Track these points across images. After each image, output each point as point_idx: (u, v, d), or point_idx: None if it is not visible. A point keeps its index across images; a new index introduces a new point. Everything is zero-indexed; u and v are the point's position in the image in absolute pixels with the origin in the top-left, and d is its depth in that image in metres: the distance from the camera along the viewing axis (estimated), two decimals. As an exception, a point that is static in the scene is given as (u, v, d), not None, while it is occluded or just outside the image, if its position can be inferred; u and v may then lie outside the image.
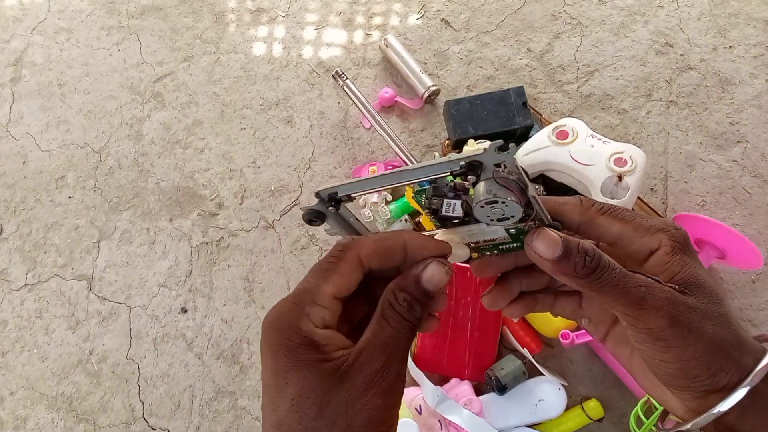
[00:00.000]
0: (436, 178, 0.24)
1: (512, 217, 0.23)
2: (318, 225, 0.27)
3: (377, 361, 0.22)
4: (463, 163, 0.22)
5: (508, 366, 0.67)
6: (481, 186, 0.22)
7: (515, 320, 0.71)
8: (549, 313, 0.71)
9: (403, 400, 0.68)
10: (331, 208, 0.26)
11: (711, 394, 0.22)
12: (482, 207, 0.22)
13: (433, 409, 0.65)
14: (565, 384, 0.68)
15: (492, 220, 0.23)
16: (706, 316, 0.22)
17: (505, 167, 0.22)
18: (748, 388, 0.21)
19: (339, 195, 0.26)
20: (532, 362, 0.68)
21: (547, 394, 0.67)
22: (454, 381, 0.69)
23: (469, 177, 0.22)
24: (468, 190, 0.24)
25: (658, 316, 0.22)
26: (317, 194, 0.26)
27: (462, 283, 0.68)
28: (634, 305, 0.22)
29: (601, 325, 0.29)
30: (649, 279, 0.23)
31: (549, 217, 0.24)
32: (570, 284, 0.24)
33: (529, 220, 0.24)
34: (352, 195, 0.26)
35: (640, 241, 0.24)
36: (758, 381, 0.22)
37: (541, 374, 0.68)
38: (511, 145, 0.22)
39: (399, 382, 0.23)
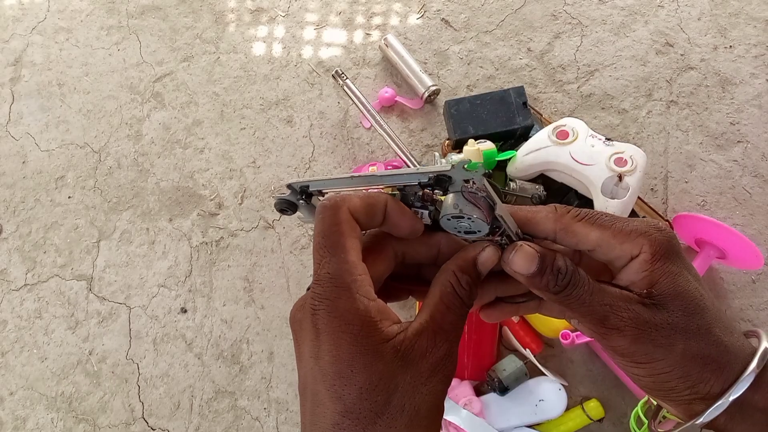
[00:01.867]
0: (405, 186, 0.24)
1: (479, 232, 0.23)
2: (290, 214, 0.27)
3: (442, 349, 0.22)
4: (431, 175, 0.22)
5: (509, 367, 0.67)
6: (449, 199, 0.22)
7: (493, 322, 0.71)
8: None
9: None
10: (302, 200, 0.26)
11: (696, 401, 0.22)
12: (448, 220, 0.23)
13: None
14: (566, 384, 0.68)
15: (459, 232, 0.24)
16: (678, 331, 0.22)
17: (474, 184, 0.22)
18: (730, 399, 0.21)
19: (310, 189, 0.26)
20: (533, 362, 0.68)
21: (547, 395, 0.67)
22: (454, 381, 0.69)
23: (436, 190, 0.23)
24: (435, 201, 0.24)
25: (620, 336, 0.22)
26: (289, 186, 0.26)
27: None
28: (598, 324, 0.23)
29: None
30: (619, 293, 0.23)
31: (519, 232, 0.25)
32: (544, 297, 0.24)
33: (496, 234, 0.24)
34: (323, 191, 0.26)
35: (620, 247, 0.23)
36: (741, 391, 0.21)
37: (542, 374, 0.68)
38: (480, 164, 0.22)
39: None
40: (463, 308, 0.23)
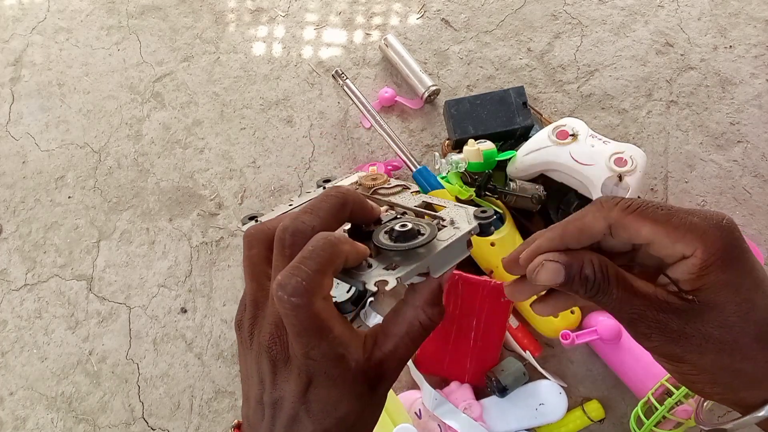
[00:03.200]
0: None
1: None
2: None
3: (396, 375, 0.24)
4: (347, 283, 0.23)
5: (508, 367, 0.67)
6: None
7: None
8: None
9: (402, 405, 0.68)
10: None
11: (734, 406, 0.23)
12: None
13: (431, 412, 0.65)
14: (565, 386, 0.68)
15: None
16: (711, 341, 0.22)
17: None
18: (759, 415, 0.21)
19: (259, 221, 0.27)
20: (532, 364, 0.68)
21: (547, 398, 0.66)
22: (454, 384, 0.68)
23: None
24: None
25: (647, 341, 0.23)
26: (247, 218, 0.28)
27: (468, 290, 0.67)
28: (627, 326, 0.23)
29: None
30: (650, 300, 0.23)
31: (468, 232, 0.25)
32: None
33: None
34: None
35: (672, 246, 0.23)
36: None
37: (542, 377, 0.68)
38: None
39: None
40: (427, 335, 0.25)
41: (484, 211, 0.25)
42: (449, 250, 0.24)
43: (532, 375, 0.68)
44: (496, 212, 0.26)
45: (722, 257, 0.22)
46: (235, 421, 0.28)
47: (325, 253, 0.21)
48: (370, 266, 0.23)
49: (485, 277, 0.68)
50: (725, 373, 0.22)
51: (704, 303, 0.22)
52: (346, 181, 0.33)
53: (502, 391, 0.66)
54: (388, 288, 0.21)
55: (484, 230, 0.25)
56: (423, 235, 0.24)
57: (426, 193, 0.29)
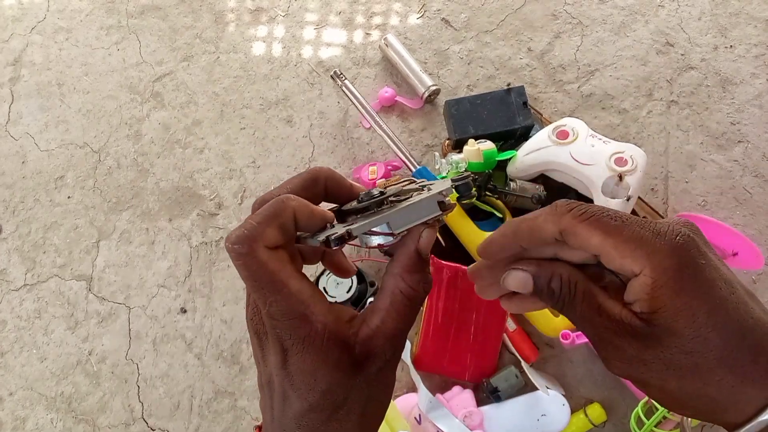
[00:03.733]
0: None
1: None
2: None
3: (388, 352, 0.24)
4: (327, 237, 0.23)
5: (501, 371, 0.68)
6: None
7: (514, 312, 0.70)
8: (550, 313, 0.70)
9: (400, 410, 0.67)
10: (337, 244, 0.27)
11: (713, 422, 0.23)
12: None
13: (425, 415, 0.65)
14: (563, 393, 0.67)
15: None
16: (672, 368, 0.21)
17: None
18: None
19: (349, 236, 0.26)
20: (526, 372, 0.67)
21: (550, 409, 0.65)
22: (456, 389, 0.68)
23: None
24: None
25: (610, 365, 0.23)
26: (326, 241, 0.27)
27: (466, 283, 0.67)
28: (593, 345, 0.23)
29: None
30: (608, 322, 0.22)
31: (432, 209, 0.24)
32: None
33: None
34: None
35: (620, 261, 0.21)
36: None
37: (543, 375, 0.68)
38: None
39: (398, 360, 0.25)
40: (414, 306, 0.24)
41: (461, 176, 0.25)
42: (415, 208, 0.23)
43: (530, 381, 0.68)
44: (474, 178, 0.25)
45: (674, 278, 0.20)
46: (259, 423, 0.28)
47: (270, 207, 0.22)
48: (332, 227, 0.24)
49: None
50: (691, 398, 0.21)
51: (661, 327, 0.20)
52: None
53: (494, 393, 0.66)
54: (333, 237, 0.21)
55: (460, 191, 0.25)
56: (384, 194, 0.24)
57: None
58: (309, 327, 0.22)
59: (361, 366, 0.23)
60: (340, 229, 0.22)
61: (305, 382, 0.22)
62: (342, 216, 0.27)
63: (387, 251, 0.74)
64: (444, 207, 0.24)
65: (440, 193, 0.24)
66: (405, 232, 0.24)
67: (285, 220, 0.23)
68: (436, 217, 0.24)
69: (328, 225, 0.24)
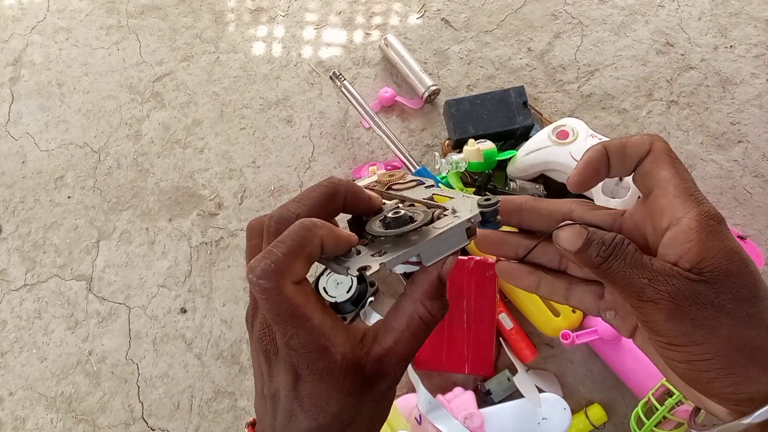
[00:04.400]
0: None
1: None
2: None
3: (399, 373, 0.24)
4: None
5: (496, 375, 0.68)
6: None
7: (509, 282, 0.71)
8: (550, 313, 0.70)
9: (400, 411, 0.67)
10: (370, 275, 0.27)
11: (743, 402, 0.21)
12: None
13: (424, 413, 0.65)
14: (560, 395, 0.67)
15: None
16: (725, 314, 0.20)
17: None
18: None
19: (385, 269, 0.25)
20: (523, 375, 0.67)
21: (551, 413, 0.65)
22: (457, 390, 0.68)
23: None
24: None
25: (656, 309, 0.21)
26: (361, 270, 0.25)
27: (454, 275, 0.67)
28: (634, 297, 0.21)
29: (629, 317, 0.26)
30: (661, 267, 0.21)
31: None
32: (591, 275, 0.25)
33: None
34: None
35: (671, 199, 0.22)
36: None
37: (541, 380, 0.68)
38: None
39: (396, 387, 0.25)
40: (430, 330, 0.24)
41: (488, 199, 0.24)
42: (444, 237, 0.23)
43: (530, 377, 0.68)
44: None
45: (717, 226, 0.21)
46: (251, 418, 0.27)
47: (298, 237, 0.20)
48: (359, 253, 0.23)
49: (470, 256, 0.68)
50: (741, 353, 0.20)
51: (714, 272, 0.20)
52: (367, 181, 0.32)
53: (487, 395, 0.67)
54: (368, 273, 0.21)
55: (487, 218, 0.24)
56: (415, 221, 0.23)
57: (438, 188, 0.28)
58: (328, 359, 0.22)
59: (371, 385, 0.23)
60: (373, 264, 0.21)
61: (316, 405, 0.22)
62: (358, 227, 0.26)
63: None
64: (470, 234, 0.24)
65: (468, 220, 0.23)
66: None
67: (312, 251, 0.21)
68: (462, 247, 0.24)
69: (354, 250, 0.23)
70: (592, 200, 0.68)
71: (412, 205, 0.27)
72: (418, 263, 0.23)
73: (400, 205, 0.26)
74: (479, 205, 0.24)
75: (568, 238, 0.24)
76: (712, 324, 0.20)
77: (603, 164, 0.24)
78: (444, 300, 0.24)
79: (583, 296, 0.27)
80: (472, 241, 0.25)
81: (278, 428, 0.23)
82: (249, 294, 0.25)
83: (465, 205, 0.25)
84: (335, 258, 0.23)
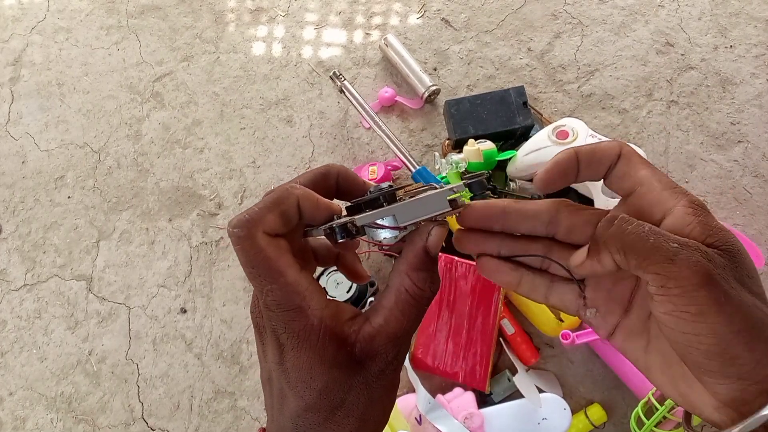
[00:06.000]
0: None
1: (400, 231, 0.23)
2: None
3: (391, 353, 0.23)
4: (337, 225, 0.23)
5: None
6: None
7: (491, 280, 0.70)
8: (551, 312, 0.70)
9: (400, 411, 0.67)
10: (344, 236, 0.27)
11: (751, 386, 0.19)
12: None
13: (423, 413, 0.65)
14: (560, 395, 0.67)
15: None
16: (747, 288, 0.20)
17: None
18: None
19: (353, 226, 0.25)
20: (523, 375, 0.67)
21: (551, 414, 0.65)
22: (457, 390, 0.68)
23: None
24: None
25: (693, 272, 0.19)
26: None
27: (461, 281, 0.68)
28: (665, 261, 0.20)
29: (610, 316, 0.26)
30: (681, 238, 0.21)
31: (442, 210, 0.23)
32: (584, 271, 0.23)
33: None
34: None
35: (659, 193, 0.22)
36: None
37: (541, 381, 0.68)
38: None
39: (402, 361, 0.24)
40: (421, 307, 0.23)
41: (475, 173, 0.25)
42: (423, 201, 0.22)
43: (530, 377, 0.68)
44: (488, 177, 0.25)
45: (707, 212, 0.22)
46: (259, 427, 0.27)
47: (274, 195, 0.22)
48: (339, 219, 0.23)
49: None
50: (764, 329, 0.19)
51: (724, 247, 0.20)
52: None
53: (488, 395, 0.67)
54: (336, 225, 0.21)
55: (473, 189, 0.24)
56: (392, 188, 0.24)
57: None
58: (304, 320, 0.22)
59: (361, 366, 0.22)
60: (343, 219, 0.22)
61: (301, 379, 0.22)
62: (354, 212, 0.26)
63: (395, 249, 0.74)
64: (455, 205, 0.23)
65: (451, 189, 0.23)
66: (413, 227, 0.23)
67: (287, 208, 0.22)
68: (445, 213, 0.23)
69: (335, 217, 0.23)
70: (592, 200, 0.68)
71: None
72: (396, 228, 0.22)
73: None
74: (465, 178, 0.25)
75: (603, 223, 0.23)
76: (740, 295, 0.20)
77: (572, 168, 0.24)
78: (433, 274, 0.24)
79: (564, 294, 0.27)
80: (457, 213, 0.25)
81: (275, 416, 0.23)
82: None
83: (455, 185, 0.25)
84: (318, 226, 0.23)
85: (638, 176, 0.23)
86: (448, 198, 0.23)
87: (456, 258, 0.69)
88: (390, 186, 0.25)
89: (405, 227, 0.23)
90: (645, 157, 0.65)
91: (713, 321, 0.19)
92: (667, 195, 0.22)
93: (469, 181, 0.24)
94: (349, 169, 0.26)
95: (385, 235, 0.23)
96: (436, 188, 0.28)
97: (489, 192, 0.25)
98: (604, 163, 0.24)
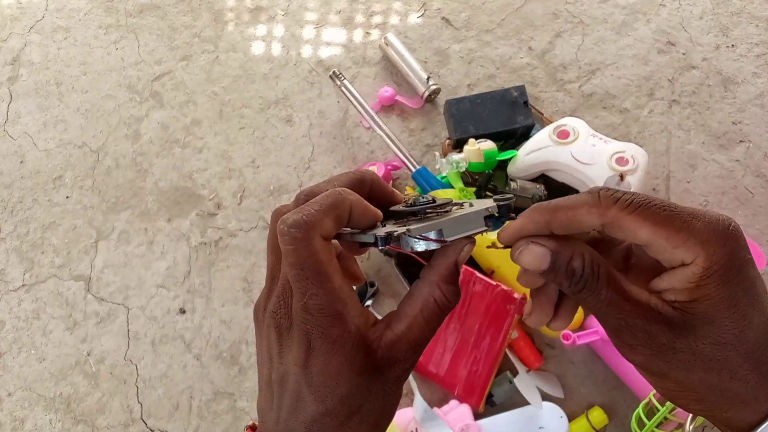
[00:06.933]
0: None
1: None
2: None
3: (410, 361, 0.23)
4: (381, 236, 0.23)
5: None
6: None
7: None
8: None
9: (397, 425, 0.66)
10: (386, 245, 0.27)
11: (722, 426, 0.22)
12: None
13: (419, 421, 0.65)
14: (561, 396, 0.67)
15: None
16: (700, 359, 0.21)
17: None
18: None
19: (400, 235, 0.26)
20: (524, 376, 0.67)
21: (548, 422, 0.64)
22: (453, 403, 0.67)
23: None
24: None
25: (632, 353, 0.22)
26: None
27: (478, 288, 0.66)
28: (611, 334, 0.22)
29: None
30: (639, 308, 0.21)
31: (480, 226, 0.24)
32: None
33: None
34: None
35: (671, 251, 0.21)
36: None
37: (540, 388, 0.68)
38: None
39: (403, 384, 0.24)
40: (442, 318, 0.24)
41: (504, 197, 0.25)
42: (464, 218, 0.23)
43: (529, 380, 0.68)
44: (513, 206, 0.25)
45: (724, 268, 0.20)
46: (251, 422, 0.27)
47: (330, 197, 0.22)
48: (384, 227, 0.24)
49: (497, 282, 0.67)
50: (711, 391, 0.21)
51: (699, 316, 0.21)
52: None
53: (489, 398, 0.66)
54: (396, 234, 0.21)
55: (503, 212, 0.25)
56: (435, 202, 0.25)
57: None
58: (342, 328, 0.21)
59: (381, 372, 0.22)
60: (398, 228, 0.22)
61: (326, 384, 0.22)
62: (384, 218, 0.27)
63: (396, 253, 0.74)
64: (489, 224, 0.24)
65: (486, 209, 0.24)
66: (450, 242, 0.23)
67: (341, 213, 0.22)
68: (480, 231, 0.24)
69: (378, 224, 0.24)
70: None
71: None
72: (439, 241, 0.23)
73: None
74: (495, 200, 0.25)
75: (529, 261, 0.23)
76: (686, 367, 0.21)
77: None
78: (458, 287, 0.24)
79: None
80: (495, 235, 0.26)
81: (283, 418, 0.23)
82: (265, 279, 0.25)
83: (482, 203, 0.26)
84: (361, 231, 0.24)
85: (641, 238, 0.22)
86: (484, 216, 0.24)
87: (476, 273, 0.67)
88: (433, 199, 0.25)
89: (447, 241, 0.23)
90: (645, 159, 0.65)
91: (658, 380, 0.23)
92: (681, 254, 0.21)
93: (499, 203, 0.24)
94: (379, 177, 0.26)
95: (424, 246, 0.23)
96: (461, 204, 0.28)
97: (514, 217, 0.25)
98: (584, 236, 0.24)
